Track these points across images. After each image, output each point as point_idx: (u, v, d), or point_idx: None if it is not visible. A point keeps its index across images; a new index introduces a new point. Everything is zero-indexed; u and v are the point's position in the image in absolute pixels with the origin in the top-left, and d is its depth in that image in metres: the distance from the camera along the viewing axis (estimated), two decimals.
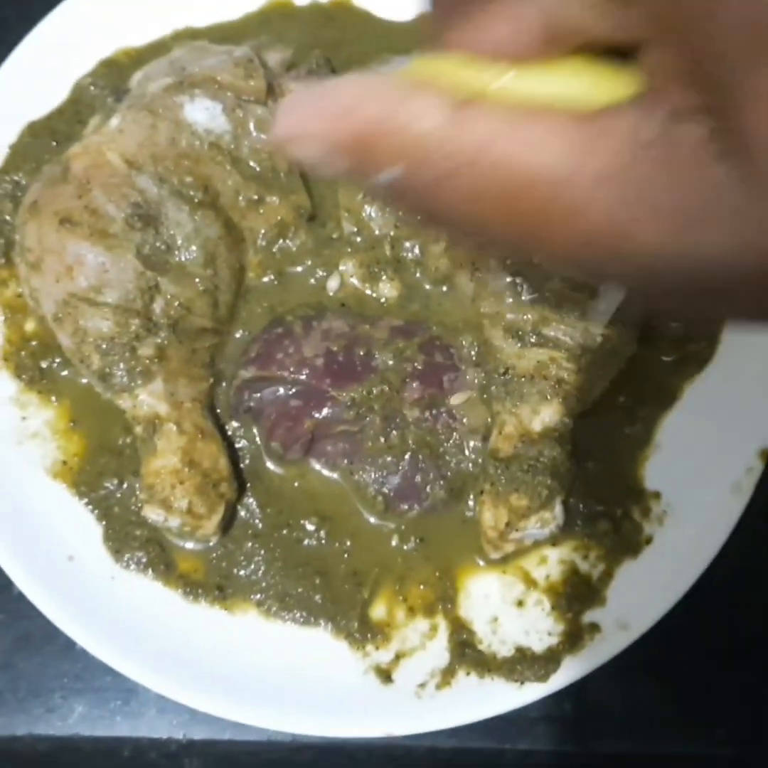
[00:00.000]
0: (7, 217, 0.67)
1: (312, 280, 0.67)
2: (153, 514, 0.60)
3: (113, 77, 0.71)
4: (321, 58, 0.70)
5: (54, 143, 0.69)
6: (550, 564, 0.62)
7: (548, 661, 0.59)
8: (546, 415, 0.60)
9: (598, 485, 0.63)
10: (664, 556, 0.62)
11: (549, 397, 0.61)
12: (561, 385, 0.61)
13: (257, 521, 0.63)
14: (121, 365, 0.61)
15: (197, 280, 0.63)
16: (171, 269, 0.62)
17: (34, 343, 0.66)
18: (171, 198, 0.63)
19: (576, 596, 0.61)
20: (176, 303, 0.62)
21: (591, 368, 0.62)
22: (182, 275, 0.62)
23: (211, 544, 0.62)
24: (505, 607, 0.61)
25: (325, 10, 0.73)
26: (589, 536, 0.62)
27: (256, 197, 0.65)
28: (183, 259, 0.63)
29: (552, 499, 0.60)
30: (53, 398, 0.65)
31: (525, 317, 0.61)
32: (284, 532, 0.63)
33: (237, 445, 0.64)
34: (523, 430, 0.60)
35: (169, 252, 0.62)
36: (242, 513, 0.63)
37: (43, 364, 0.65)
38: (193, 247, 0.63)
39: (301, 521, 0.63)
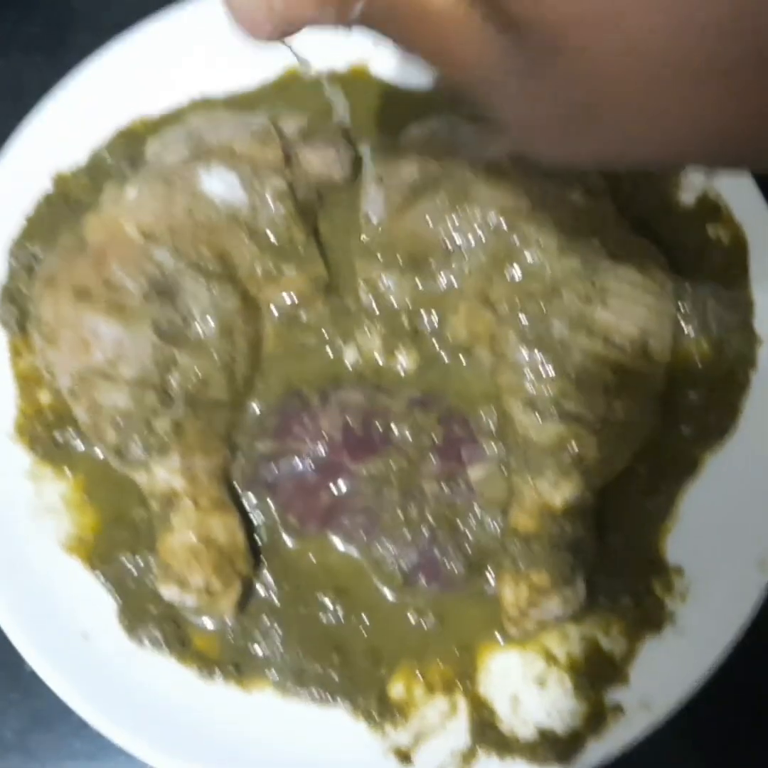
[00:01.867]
0: (23, 288, 0.67)
1: (328, 351, 0.66)
2: (169, 592, 0.59)
3: (129, 146, 0.70)
4: (338, 126, 0.70)
5: (70, 213, 0.68)
6: (572, 641, 0.61)
7: (571, 743, 0.58)
8: (567, 489, 0.60)
9: (619, 560, 0.62)
10: (688, 632, 0.60)
11: (570, 472, 0.60)
12: (582, 460, 0.60)
13: (274, 597, 0.62)
14: (137, 440, 0.60)
15: (214, 353, 0.62)
16: (188, 342, 0.62)
17: (48, 415, 0.65)
18: (188, 270, 0.63)
19: (598, 674, 0.60)
20: (193, 376, 0.62)
21: (612, 442, 0.61)
22: (199, 348, 0.62)
23: (227, 621, 0.61)
24: (526, 685, 0.60)
25: (341, 76, 0.73)
26: (611, 612, 0.61)
27: (273, 268, 0.65)
28: (200, 332, 0.62)
29: (574, 577, 0.59)
30: (68, 471, 0.65)
31: (545, 390, 0.61)
32: (301, 608, 0.62)
33: (253, 519, 0.63)
34: (544, 505, 0.60)
35: (186, 325, 0.62)
36: (258, 588, 0.62)
37: (58, 437, 0.65)
38: (210, 320, 0.62)
39: (318, 596, 0.62)
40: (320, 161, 0.68)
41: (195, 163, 0.65)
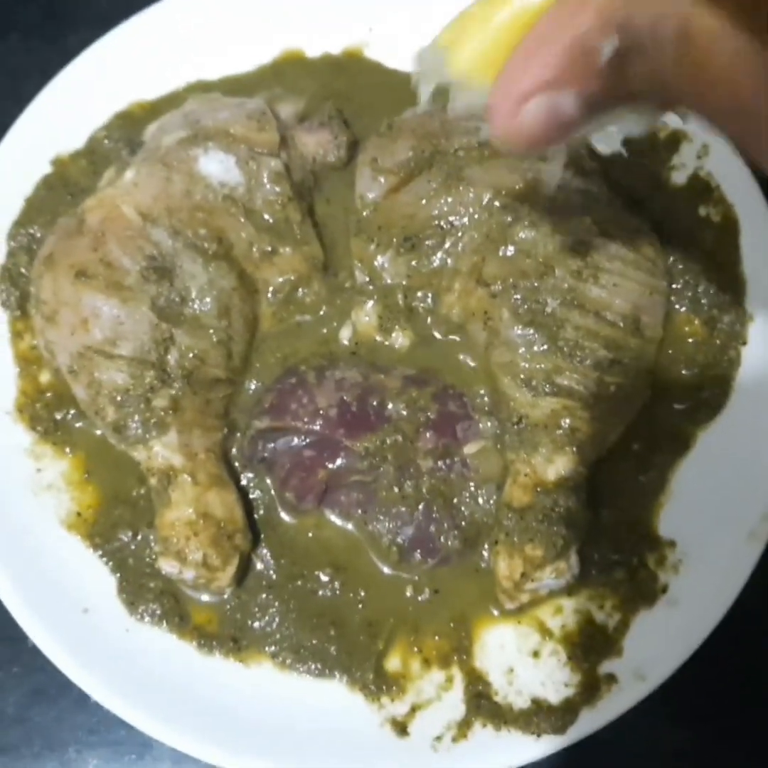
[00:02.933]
0: (23, 270, 0.68)
1: (324, 330, 0.67)
2: (168, 566, 0.60)
3: (128, 129, 0.71)
4: (333, 109, 0.71)
5: (69, 196, 0.69)
6: (566, 614, 0.62)
7: (565, 713, 0.59)
8: (560, 464, 0.60)
9: (613, 534, 0.63)
10: (680, 604, 0.61)
11: (563, 446, 0.61)
12: (575, 434, 0.61)
13: (271, 572, 0.63)
14: (136, 417, 0.61)
15: (211, 331, 0.63)
16: (185, 321, 0.63)
17: (48, 394, 0.66)
18: (185, 250, 0.63)
19: (592, 646, 0.61)
20: (191, 354, 0.62)
21: (605, 416, 0.62)
22: (197, 327, 0.63)
23: (225, 596, 0.62)
24: (521, 657, 0.61)
25: (336, 61, 0.74)
26: (605, 585, 0.62)
27: (269, 248, 0.65)
28: (197, 310, 0.63)
29: (567, 549, 0.59)
30: (68, 450, 0.65)
31: (538, 367, 0.61)
32: (298, 583, 0.63)
33: (251, 496, 0.64)
34: (538, 480, 0.60)
35: (183, 304, 0.63)
36: (256, 564, 0.63)
37: (58, 416, 0.66)
38: (208, 299, 0.63)
39: (316, 572, 0.63)
40: (315, 143, 0.69)
41: (192, 145, 0.66)
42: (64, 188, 0.70)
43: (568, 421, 0.61)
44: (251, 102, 0.69)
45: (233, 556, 0.61)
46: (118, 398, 0.61)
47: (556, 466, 0.60)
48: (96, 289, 0.62)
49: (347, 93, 0.73)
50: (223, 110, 0.68)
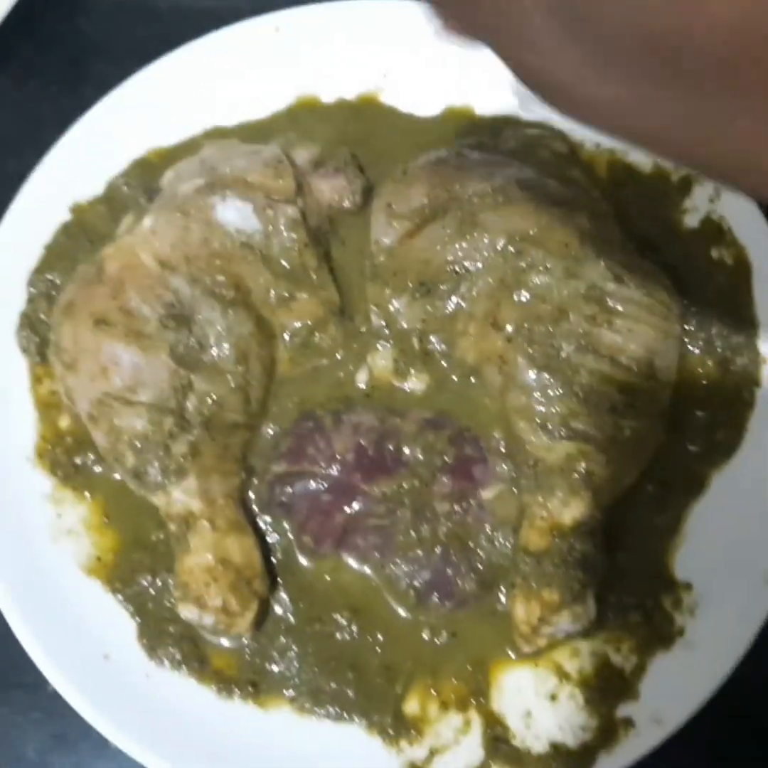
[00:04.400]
0: (43, 316, 0.68)
1: (340, 374, 0.67)
2: (187, 612, 0.61)
3: (145, 176, 0.72)
4: (348, 155, 0.72)
5: (88, 242, 0.70)
6: (583, 656, 0.62)
7: (583, 758, 0.59)
8: (576, 507, 0.61)
9: (629, 576, 0.63)
10: (697, 647, 0.61)
11: (579, 490, 0.61)
12: (590, 478, 0.61)
13: (289, 616, 0.63)
14: (155, 463, 0.62)
15: (229, 376, 0.64)
16: (204, 367, 0.63)
17: (68, 439, 0.67)
18: (203, 297, 0.64)
19: (609, 690, 0.61)
20: (209, 400, 0.63)
21: (620, 460, 0.62)
22: (215, 373, 0.63)
23: (244, 640, 0.62)
24: (539, 700, 0.61)
25: (351, 106, 0.75)
26: (621, 628, 0.62)
27: (286, 294, 0.66)
28: (216, 356, 0.64)
29: (584, 593, 0.60)
30: (87, 494, 0.66)
31: (553, 411, 0.62)
32: (316, 626, 0.63)
33: (268, 540, 0.65)
34: (554, 523, 0.61)
35: (202, 350, 0.63)
36: (275, 607, 0.64)
37: (78, 461, 0.66)
38: (226, 345, 0.64)
39: (334, 615, 0.63)
40: (331, 189, 0.69)
41: (210, 193, 0.66)
42: (83, 235, 0.71)
43: (583, 464, 0.61)
44: (267, 149, 0.70)
45: (252, 602, 0.61)
46: (138, 444, 0.62)
47: (572, 509, 0.61)
48: (115, 336, 0.63)
49: (362, 138, 0.73)
50: (240, 157, 0.69)
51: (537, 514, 0.61)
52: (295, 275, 0.66)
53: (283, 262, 0.66)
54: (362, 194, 0.70)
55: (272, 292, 0.66)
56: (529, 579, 0.60)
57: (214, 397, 0.63)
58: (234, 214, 0.66)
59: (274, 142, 0.71)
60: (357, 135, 0.74)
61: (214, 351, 0.64)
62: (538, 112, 0.73)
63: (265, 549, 0.64)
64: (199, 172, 0.68)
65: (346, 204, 0.69)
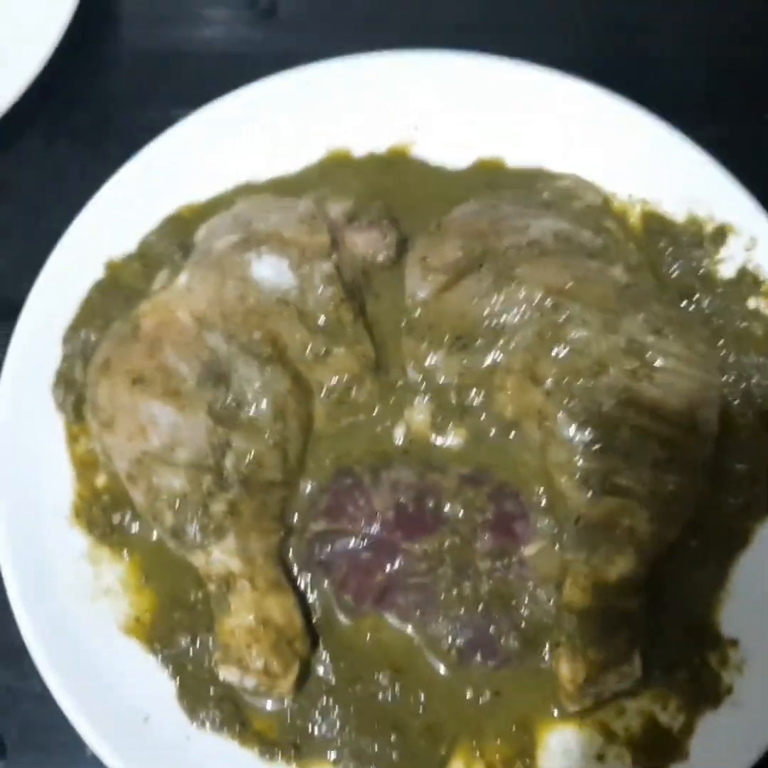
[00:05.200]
0: (77, 374, 0.68)
1: (377, 429, 0.67)
2: (229, 674, 0.60)
3: (178, 233, 0.72)
4: (381, 208, 0.71)
5: (123, 299, 0.70)
6: (629, 715, 0.61)
7: None
8: (620, 564, 0.60)
9: (674, 633, 0.63)
10: (746, 705, 0.61)
11: (622, 547, 0.60)
12: (634, 534, 0.61)
13: (330, 676, 0.63)
14: (194, 522, 0.61)
15: (267, 434, 0.63)
16: (242, 425, 0.63)
17: (105, 497, 0.66)
18: (240, 354, 0.64)
19: (658, 749, 0.60)
20: (247, 458, 0.63)
21: (663, 514, 0.62)
22: (253, 431, 0.63)
23: (285, 702, 0.61)
24: (586, 761, 0.60)
25: (383, 159, 0.75)
26: (668, 686, 0.61)
27: (323, 350, 0.66)
28: (253, 414, 0.63)
29: (630, 652, 0.59)
30: (125, 553, 0.66)
31: (594, 466, 0.61)
32: (358, 686, 0.62)
33: (308, 598, 0.64)
34: (598, 580, 0.60)
35: (239, 408, 0.63)
36: (316, 668, 0.63)
37: (115, 519, 0.66)
38: (263, 402, 0.63)
39: (375, 675, 0.62)
40: (365, 243, 0.69)
41: (245, 249, 0.66)
42: (117, 292, 0.71)
43: (626, 520, 0.61)
44: (301, 204, 0.70)
45: (294, 663, 0.61)
46: (177, 503, 0.62)
47: (617, 566, 0.60)
48: (153, 395, 0.62)
49: (394, 191, 0.73)
50: (274, 213, 0.69)
51: (580, 572, 0.61)
52: (331, 330, 0.66)
53: (319, 318, 0.66)
54: (396, 247, 0.70)
55: (308, 348, 0.66)
56: (574, 637, 0.59)
57: (253, 454, 0.63)
58: (269, 270, 0.66)
59: (307, 197, 0.71)
60: (389, 188, 0.74)
61: (251, 409, 0.63)
62: (568, 163, 0.73)
63: (305, 608, 0.63)
64: (232, 228, 0.68)
65: (381, 258, 0.69)
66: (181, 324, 0.64)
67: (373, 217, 0.71)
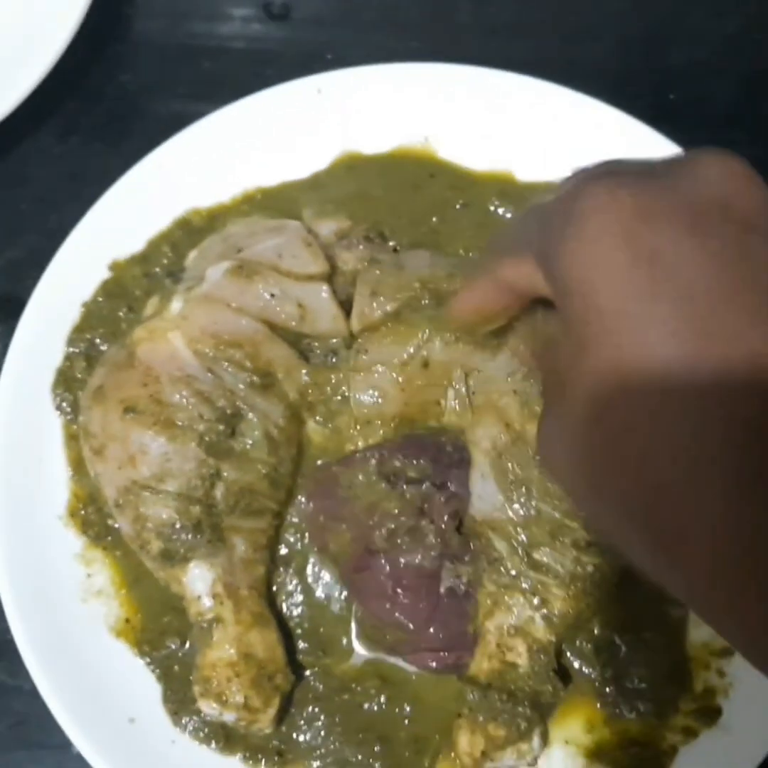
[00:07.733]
0: (79, 375, 0.68)
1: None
2: (208, 708, 0.61)
3: (187, 238, 0.72)
4: (372, 225, 0.72)
5: (126, 307, 0.71)
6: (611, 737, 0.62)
7: None
8: (532, 634, 0.60)
9: (658, 656, 0.63)
10: (733, 729, 0.61)
11: (535, 618, 0.60)
12: (546, 606, 0.60)
13: (318, 685, 0.63)
14: (181, 552, 0.62)
15: (259, 464, 0.64)
16: (233, 455, 0.63)
17: (100, 499, 0.66)
18: (235, 384, 0.64)
19: None
20: (237, 488, 0.63)
21: (580, 596, 0.61)
22: (245, 460, 0.63)
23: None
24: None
25: (388, 168, 0.76)
26: (657, 716, 0.62)
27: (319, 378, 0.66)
28: (247, 444, 0.63)
29: (531, 731, 0.59)
30: (118, 555, 0.66)
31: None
32: (345, 696, 0.63)
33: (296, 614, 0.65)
34: (507, 651, 0.60)
35: (232, 438, 0.63)
36: (304, 674, 0.63)
37: (109, 521, 0.66)
38: (257, 432, 0.63)
39: (362, 685, 0.63)
40: (356, 261, 0.69)
41: (238, 277, 0.66)
42: (121, 297, 0.71)
43: (541, 596, 0.60)
44: (291, 227, 0.69)
45: (274, 698, 0.61)
46: (164, 532, 0.62)
47: (527, 636, 0.60)
48: (145, 425, 0.62)
49: (396, 202, 0.74)
50: (266, 238, 0.68)
51: (489, 639, 0.61)
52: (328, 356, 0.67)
53: (315, 346, 0.66)
54: None
55: (303, 372, 0.66)
56: (476, 711, 0.60)
57: (242, 485, 0.63)
58: (264, 299, 0.65)
59: (302, 213, 0.72)
60: (391, 199, 0.74)
61: (245, 439, 0.63)
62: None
63: (289, 642, 0.64)
64: (223, 252, 0.68)
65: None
66: (175, 352, 0.64)
67: (364, 234, 0.71)
